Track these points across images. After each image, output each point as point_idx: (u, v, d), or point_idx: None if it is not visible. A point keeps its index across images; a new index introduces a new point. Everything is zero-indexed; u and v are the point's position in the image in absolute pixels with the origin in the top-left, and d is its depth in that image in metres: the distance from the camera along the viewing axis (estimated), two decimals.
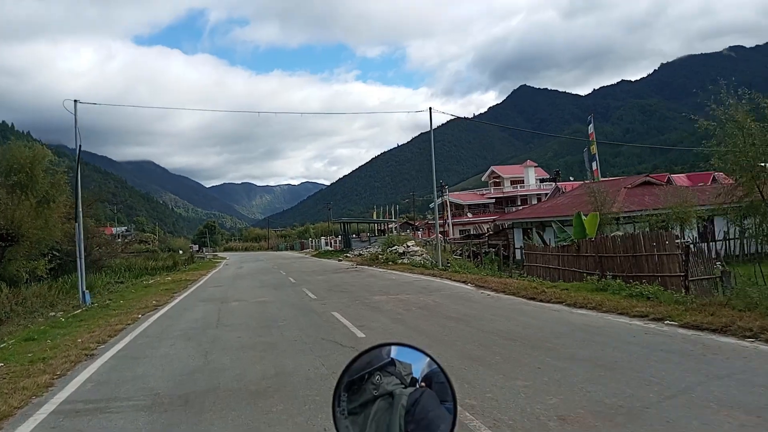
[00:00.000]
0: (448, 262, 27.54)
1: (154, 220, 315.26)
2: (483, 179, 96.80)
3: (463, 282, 18.92)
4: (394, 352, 1.53)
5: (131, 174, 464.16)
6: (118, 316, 15.07)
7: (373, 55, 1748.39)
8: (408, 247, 32.12)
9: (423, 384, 1.46)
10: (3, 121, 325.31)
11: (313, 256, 55.95)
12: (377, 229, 57.70)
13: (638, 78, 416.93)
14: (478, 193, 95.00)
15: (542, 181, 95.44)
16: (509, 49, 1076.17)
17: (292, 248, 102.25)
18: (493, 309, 12.67)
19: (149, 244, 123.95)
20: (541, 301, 13.33)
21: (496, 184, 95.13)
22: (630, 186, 34.97)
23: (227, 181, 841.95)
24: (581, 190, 41.53)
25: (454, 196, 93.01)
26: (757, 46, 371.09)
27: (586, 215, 20.02)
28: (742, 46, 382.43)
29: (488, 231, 58.60)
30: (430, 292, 16.85)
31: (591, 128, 61.41)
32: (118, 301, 20.74)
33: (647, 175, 37.89)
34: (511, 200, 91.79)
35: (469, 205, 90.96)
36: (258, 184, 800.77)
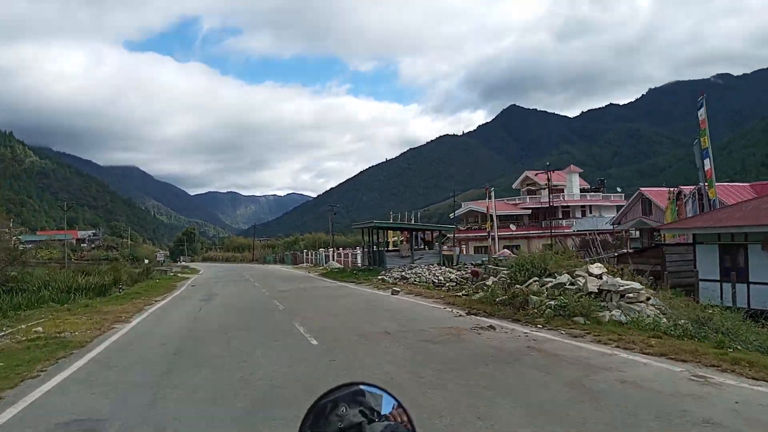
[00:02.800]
0: None
1: (134, 225, 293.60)
2: (514, 186, 78.31)
3: None
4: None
5: (115, 179, 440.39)
6: None
7: (366, 70, 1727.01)
8: (607, 281, 12.81)
9: (391, 419, 1.44)
10: None
11: (323, 275, 36.45)
12: (422, 240, 38.40)
13: (626, 102, 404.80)
14: (509, 202, 76.30)
15: (583, 190, 77.36)
16: (499, 69, 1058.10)
17: (281, 261, 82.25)
18: None
19: (118, 249, 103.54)
20: None
21: (531, 192, 76.58)
22: None
23: (212, 190, 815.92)
24: None
25: (479, 205, 74.33)
26: (744, 74, 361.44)
27: None
28: (729, 74, 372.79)
29: (574, 247, 39.68)
30: None
31: (702, 113, 42.48)
32: None
33: None
34: (550, 212, 73.43)
35: (501, 217, 72.21)
36: (243, 194, 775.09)
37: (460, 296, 17.36)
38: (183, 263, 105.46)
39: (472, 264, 31.88)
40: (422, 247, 35.87)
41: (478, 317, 13.25)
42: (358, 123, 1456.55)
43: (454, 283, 28.99)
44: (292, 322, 13.72)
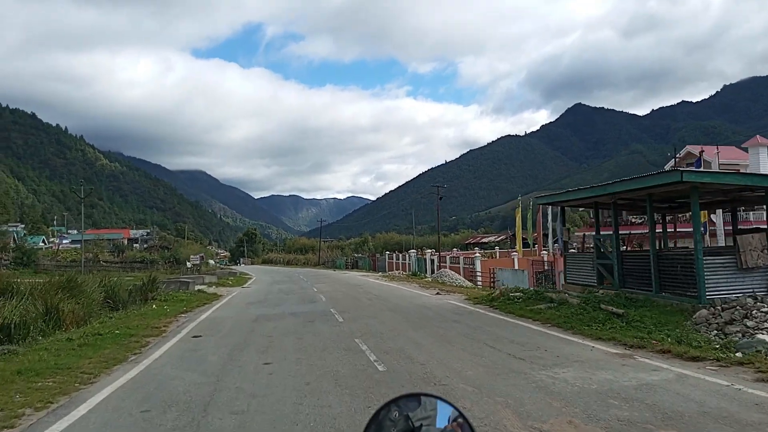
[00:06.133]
0: None
1: (200, 227, 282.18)
2: (667, 168, 55.43)
3: None
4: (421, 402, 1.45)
5: (183, 183, 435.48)
6: None
7: (425, 71, 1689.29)
8: None
9: (452, 426, 1.39)
10: (57, 125, 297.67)
11: (492, 306, 15.55)
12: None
13: (699, 99, 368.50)
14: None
15: None
16: (563, 67, 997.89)
17: (354, 265, 61.93)
18: None
19: (170, 249, 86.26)
20: None
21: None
22: None
23: (275, 193, 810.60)
24: None
25: None
26: None
27: None
28: None
29: None
30: None
31: None
32: None
33: None
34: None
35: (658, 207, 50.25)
36: (305, 197, 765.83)
37: None
38: (240, 267, 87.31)
39: None
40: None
41: None
42: (416, 125, 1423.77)
43: None
44: None
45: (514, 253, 38.56)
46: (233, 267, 76.97)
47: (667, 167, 51.29)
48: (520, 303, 15.18)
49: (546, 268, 35.40)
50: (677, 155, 54.07)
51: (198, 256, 47.60)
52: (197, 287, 28.76)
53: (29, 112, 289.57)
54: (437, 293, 20.82)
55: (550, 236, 43.50)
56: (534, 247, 43.84)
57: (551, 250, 41.58)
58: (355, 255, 72.31)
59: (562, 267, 35.82)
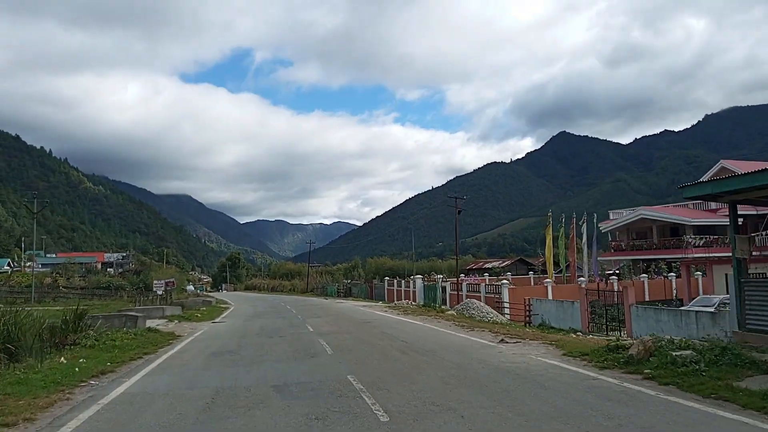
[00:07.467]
0: None
1: (184, 252, 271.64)
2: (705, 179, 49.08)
3: None
4: None
5: (169, 207, 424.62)
6: None
7: (412, 98, 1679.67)
8: None
9: None
10: (41, 147, 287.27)
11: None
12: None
13: (682, 129, 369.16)
14: (704, 208, 47.27)
15: None
16: (548, 96, 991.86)
17: (348, 293, 54.20)
18: None
19: (140, 274, 77.95)
20: None
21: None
22: None
23: (261, 218, 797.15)
24: None
25: (647, 209, 46.07)
26: None
27: None
28: None
29: None
30: None
31: None
32: None
33: None
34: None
35: (697, 227, 43.60)
36: (291, 222, 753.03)
37: None
38: (220, 293, 79.61)
39: None
40: None
41: None
42: (404, 151, 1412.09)
43: None
44: None
45: (547, 280, 31.40)
46: (212, 294, 69.19)
47: (705, 178, 44.84)
48: (707, 373, 7.92)
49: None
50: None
51: (163, 282, 39.30)
52: (150, 323, 21.06)
53: (13, 134, 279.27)
54: (502, 340, 13.39)
55: (585, 258, 36.42)
56: (565, 272, 36.80)
57: (587, 276, 34.58)
58: (347, 281, 64.60)
59: (643, 296, 28.32)
